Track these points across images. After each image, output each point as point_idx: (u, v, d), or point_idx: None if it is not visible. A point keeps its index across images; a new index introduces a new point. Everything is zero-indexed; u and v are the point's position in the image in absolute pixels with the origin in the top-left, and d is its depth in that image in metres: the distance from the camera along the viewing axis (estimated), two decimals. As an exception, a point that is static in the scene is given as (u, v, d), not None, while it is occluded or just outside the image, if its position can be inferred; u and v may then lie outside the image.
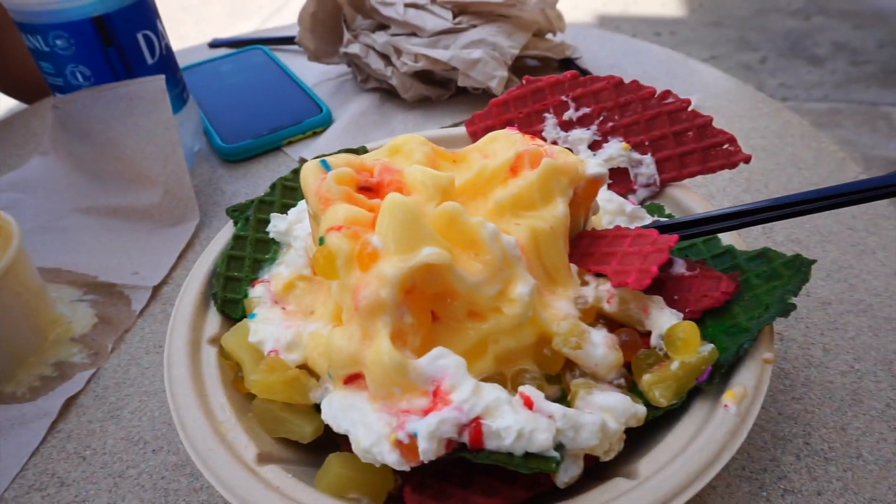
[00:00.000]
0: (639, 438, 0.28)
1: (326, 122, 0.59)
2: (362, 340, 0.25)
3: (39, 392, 0.36)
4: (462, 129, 0.43)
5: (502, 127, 0.41)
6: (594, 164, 0.32)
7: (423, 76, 0.60)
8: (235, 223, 0.37)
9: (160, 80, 0.49)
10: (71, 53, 0.48)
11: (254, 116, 0.60)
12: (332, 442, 0.28)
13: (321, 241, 0.26)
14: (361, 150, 0.41)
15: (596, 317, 0.29)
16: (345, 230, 0.26)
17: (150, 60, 0.51)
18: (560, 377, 0.28)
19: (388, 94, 0.63)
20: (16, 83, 0.77)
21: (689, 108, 0.37)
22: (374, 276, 0.24)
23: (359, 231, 0.26)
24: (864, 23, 2.34)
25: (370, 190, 0.29)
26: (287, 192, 0.39)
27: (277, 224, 0.36)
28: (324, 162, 0.29)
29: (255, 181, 0.54)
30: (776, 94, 2.01)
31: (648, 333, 0.29)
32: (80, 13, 0.47)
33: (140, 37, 0.50)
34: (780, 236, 0.44)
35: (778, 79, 2.09)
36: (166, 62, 0.53)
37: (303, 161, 0.55)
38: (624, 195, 0.38)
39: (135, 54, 0.50)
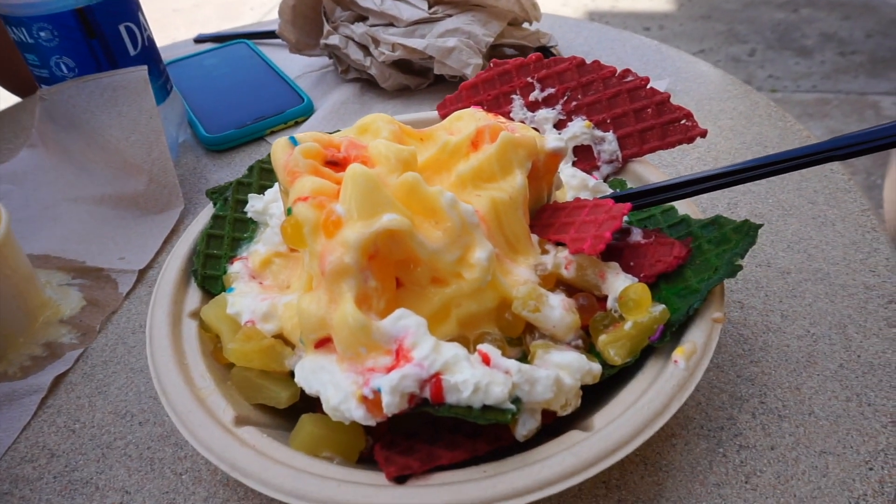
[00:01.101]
0: (596, 396, 0.29)
1: (308, 111, 0.60)
2: (329, 304, 0.26)
3: (30, 371, 0.38)
4: (435, 113, 0.45)
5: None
6: (553, 139, 0.34)
7: (401, 66, 0.62)
8: (214, 204, 0.38)
9: (143, 70, 0.51)
10: (55, 45, 0.50)
11: (237, 107, 0.62)
12: (307, 408, 0.30)
13: (289, 211, 0.28)
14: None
15: (555, 283, 0.31)
16: (311, 200, 0.27)
17: (132, 52, 0.52)
18: (521, 340, 0.30)
19: (368, 83, 0.64)
20: (12, 77, 0.78)
21: (649, 87, 0.38)
22: (338, 243, 0.26)
23: (324, 201, 0.27)
24: (851, 13, 2.36)
25: (337, 164, 0.31)
26: (264, 174, 0.40)
27: (255, 204, 0.37)
28: (292, 139, 0.31)
29: (239, 169, 0.55)
30: (765, 85, 2.03)
31: (605, 298, 0.31)
32: (63, 5, 0.48)
33: (122, 28, 0.52)
34: (744, 211, 0.45)
35: (767, 70, 2.11)
36: (149, 53, 0.54)
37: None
38: (588, 171, 0.39)
39: (118, 46, 0.51)
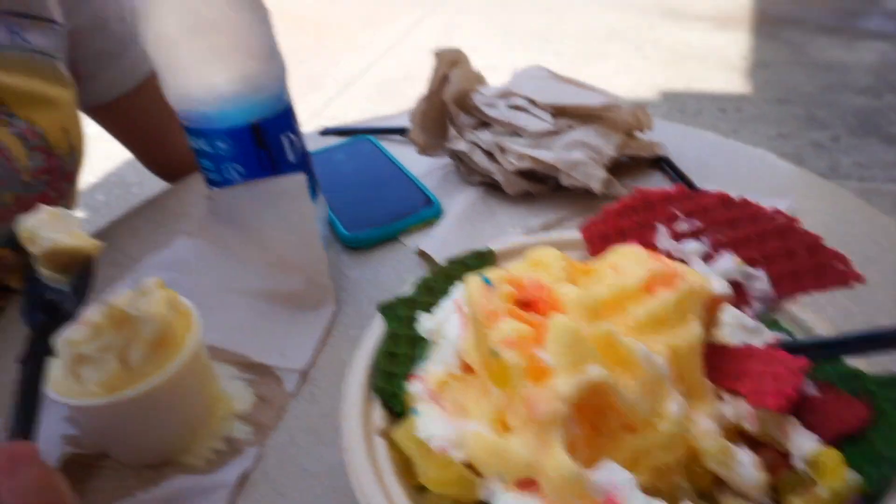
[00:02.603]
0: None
1: (437, 213, 0.65)
2: (538, 449, 0.28)
3: (214, 465, 0.41)
4: (575, 233, 0.47)
5: (616, 233, 0.45)
6: (718, 284, 0.36)
7: (525, 173, 0.66)
8: (387, 321, 0.41)
9: (302, 177, 0.56)
10: (230, 154, 0.56)
11: (370, 206, 0.66)
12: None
13: (493, 352, 0.30)
14: (489, 254, 0.46)
15: (736, 434, 0.32)
16: (515, 346, 0.30)
17: (291, 159, 0.58)
18: (712, 495, 0.31)
19: (491, 187, 0.68)
20: (170, 169, 0.87)
21: (796, 224, 0.40)
22: (550, 391, 0.28)
23: (527, 346, 0.30)
24: (937, 101, 2.31)
25: (527, 304, 0.33)
26: (428, 292, 0.43)
27: (426, 323, 0.40)
28: (486, 279, 0.34)
29: (376, 268, 0.59)
30: (852, 173, 1.99)
31: (787, 454, 0.31)
32: (242, 120, 0.54)
33: (284, 138, 0.57)
34: None
35: (852, 157, 2.06)
36: (303, 160, 0.60)
37: (422, 253, 0.60)
38: (738, 307, 0.41)
39: (279, 154, 0.57)
